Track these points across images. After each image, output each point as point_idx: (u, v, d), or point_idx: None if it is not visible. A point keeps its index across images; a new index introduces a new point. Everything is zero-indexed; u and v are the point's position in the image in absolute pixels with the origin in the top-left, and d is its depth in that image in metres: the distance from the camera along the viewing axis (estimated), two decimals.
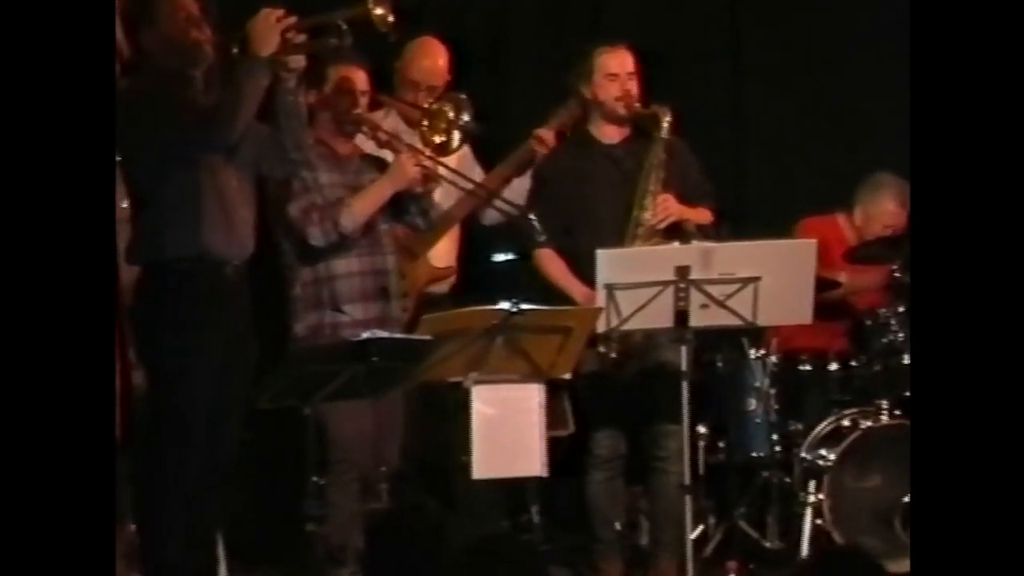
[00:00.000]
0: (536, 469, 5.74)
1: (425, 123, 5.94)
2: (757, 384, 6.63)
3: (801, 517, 6.43)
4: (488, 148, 6.58)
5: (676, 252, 5.75)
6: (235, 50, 5.12)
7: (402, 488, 5.81)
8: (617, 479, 6.18)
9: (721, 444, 6.68)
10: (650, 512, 6.37)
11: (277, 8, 5.05)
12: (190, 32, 5.14)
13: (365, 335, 5.25)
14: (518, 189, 6.39)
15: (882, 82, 7.49)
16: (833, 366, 6.77)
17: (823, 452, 6.51)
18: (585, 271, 5.86)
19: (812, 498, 6.42)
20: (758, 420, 6.64)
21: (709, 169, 6.40)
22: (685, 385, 5.70)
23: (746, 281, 5.61)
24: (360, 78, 5.82)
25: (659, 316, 5.64)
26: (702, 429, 6.49)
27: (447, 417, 5.95)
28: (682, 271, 5.60)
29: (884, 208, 6.95)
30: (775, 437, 6.63)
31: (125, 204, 5.15)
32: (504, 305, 5.48)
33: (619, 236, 5.99)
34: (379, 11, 5.07)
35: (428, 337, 5.38)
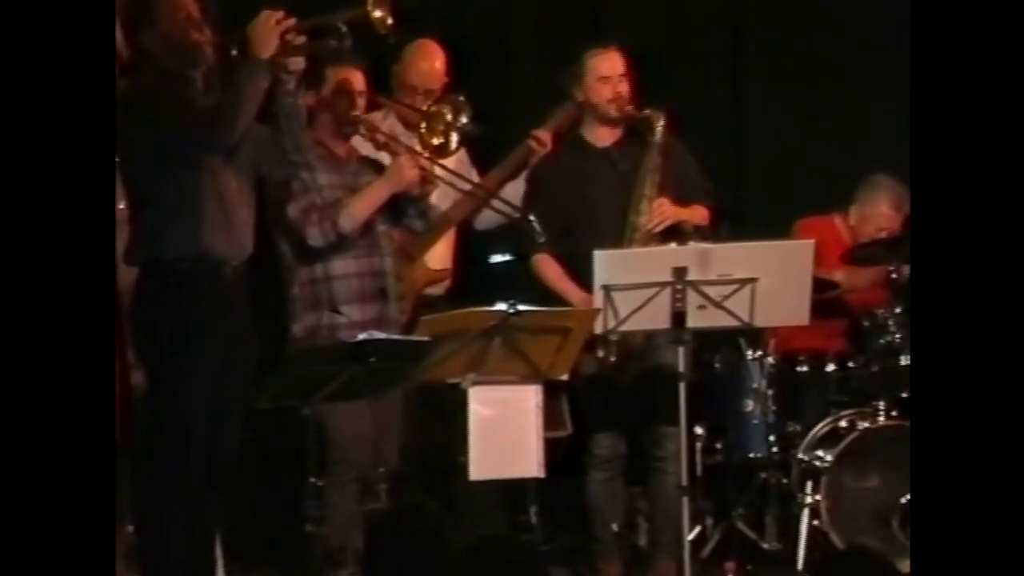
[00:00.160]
0: (533, 470, 5.74)
1: (423, 125, 5.95)
2: (755, 385, 6.63)
3: (799, 518, 6.44)
4: (488, 150, 6.58)
5: (673, 253, 5.76)
6: (234, 52, 5.13)
7: (401, 488, 5.82)
8: (617, 479, 6.19)
9: (719, 445, 6.70)
10: (649, 513, 6.38)
11: (277, 10, 5.06)
12: (190, 33, 5.14)
13: (363, 336, 5.26)
14: (512, 193, 6.40)
15: (879, 83, 7.52)
16: (831, 367, 6.78)
17: (821, 453, 6.51)
18: (582, 275, 5.88)
19: (810, 499, 6.43)
20: (756, 421, 6.65)
21: (709, 169, 6.41)
22: (682, 386, 5.70)
23: (743, 282, 5.62)
24: (358, 80, 5.84)
25: (656, 317, 5.64)
26: (700, 430, 6.50)
27: (446, 418, 5.95)
28: (679, 272, 5.60)
29: (879, 210, 6.97)
30: (773, 438, 6.64)
31: (122, 205, 5.16)
32: (502, 306, 5.49)
33: (616, 239, 6.01)
34: (378, 13, 5.08)
35: (426, 338, 5.40)
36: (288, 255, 5.79)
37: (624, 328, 5.69)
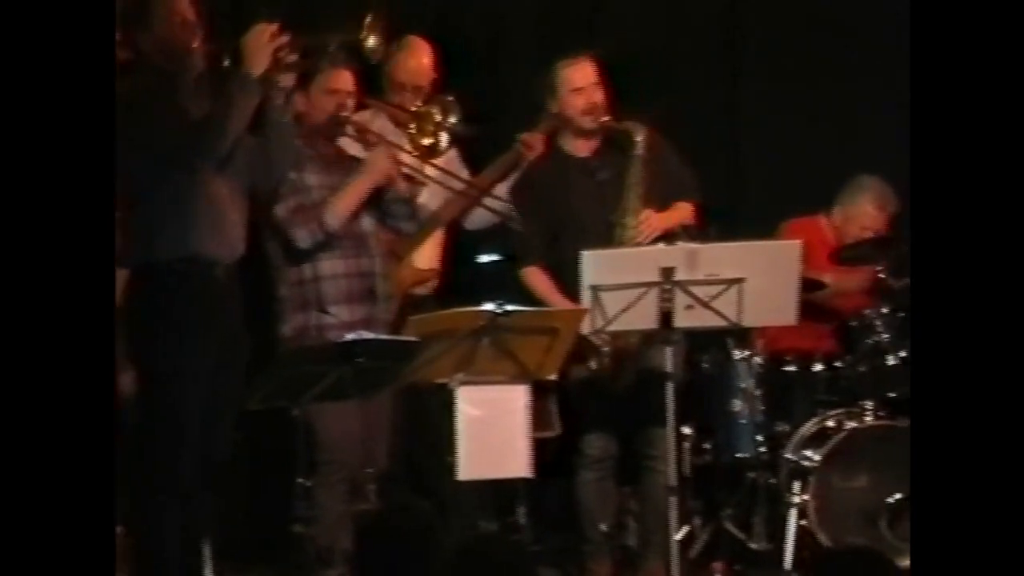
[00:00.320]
0: (522, 470, 5.75)
1: (412, 125, 5.96)
2: (743, 385, 6.64)
3: (787, 518, 6.45)
4: (480, 150, 6.58)
5: (661, 253, 5.76)
6: (227, 62, 5.16)
7: (390, 489, 5.83)
8: (607, 480, 6.20)
9: (708, 445, 6.71)
10: (639, 513, 6.38)
11: (272, 24, 5.09)
12: (183, 37, 5.16)
13: (351, 336, 5.27)
14: (501, 195, 6.41)
15: (870, 84, 7.53)
16: (819, 367, 6.79)
17: (809, 453, 6.52)
18: (568, 286, 5.88)
19: (798, 499, 6.44)
20: (744, 421, 6.65)
21: (701, 168, 6.40)
22: (671, 386, 5.70)
23: (731, 282, 5.63)
24: (347, 80, 5.85)
25: (644, 317, 5.65)
26: (689, 430, 6.52)
27: (435, 418, 5.96)
28: (667, 272, 5.61)
29: (863, 210, 6.99)
30: (761, 438, 6.65)
31: None
32: (490, 306, 5.50)
33: (601, 248, 5.97)
34: (372, 41, 5.13)
35: (415, 338, 5.41)
36: (276, 256, 5.80)
37: (612, 328, 5.69)
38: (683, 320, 5.66)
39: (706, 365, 6.72)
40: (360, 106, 6.11)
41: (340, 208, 5.73)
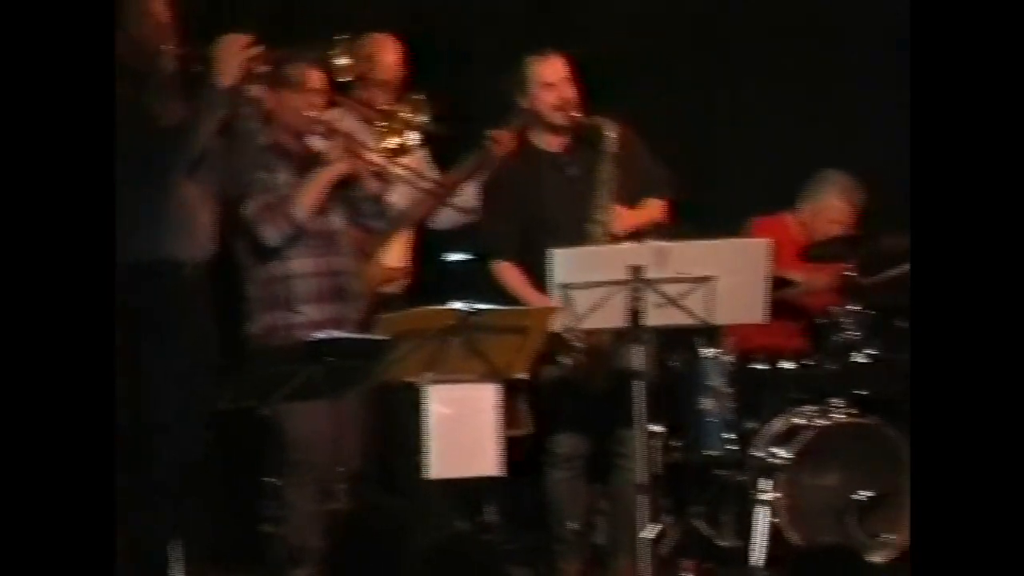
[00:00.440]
0: (492, 469, 5.75)
1: (382, 123, 5.95)
2: (713, 383, 6.64)
3: (760, 516, 6.45)
4: (451, 149, 6.57)
5: (630, 251, 5.76)
6: (199, 68, 5.15)
7: (361, 488, 5.81)
8: (578, 478, 6.19)
9: (678, 443, 6.70)
10: (610, 512, 6.38)
11: (244, 35, 5.08)
12: (156, 38, 5.15)
13: (321, 335, 5.26)
14: (472, 193, 6.40)
15: (835, 81, 7.55)
16: (788, 365, 6.80)
17: (778, 450, 6.53)
18: (540, 281, 5.87)
19: (767, 496, 6.44)
20: (714, 419, 6.65)
21: (671, 168, 6.40)
22: (640, 385, 5.70)
23: (701, 280, 5.63)
24: (316, 78, 5.83)
25: (614, 315, 5.65)
26: (660, 429, 6.51)
27: (405, 417, 5.95)
28: (636, 270, 5.61)
29: (830, 204, 7.00)
30: (731, 436, 6.65)
31: None
32: (459, 305, 5.50)
33: (572, 244, 5.97)
34: (342, 61, 5.13)
35: (385, 337, 5.40)
36: (245, 254, 5.78)
37: (582, 327, 5.69)
38: (653, 318, 5.65)
39: (675, 363, 6.71)
40: (330, 104, 6.09)
41: (305, 201, 5.72)
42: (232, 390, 5.17)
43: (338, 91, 6.18)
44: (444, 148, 6.50)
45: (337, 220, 5.85)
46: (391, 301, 6.34)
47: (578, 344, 5.92)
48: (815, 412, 6.63)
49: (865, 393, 6.63)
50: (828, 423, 6.54)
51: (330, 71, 5.80)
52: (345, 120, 6.36)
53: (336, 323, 5.68)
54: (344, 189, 5.85)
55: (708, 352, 6.67)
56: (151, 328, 5.07)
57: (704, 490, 6.72)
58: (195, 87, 5.14)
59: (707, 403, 6.64)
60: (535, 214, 6.14)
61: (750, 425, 6.69)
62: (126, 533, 5.07)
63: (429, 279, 6.76)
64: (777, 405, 6.72)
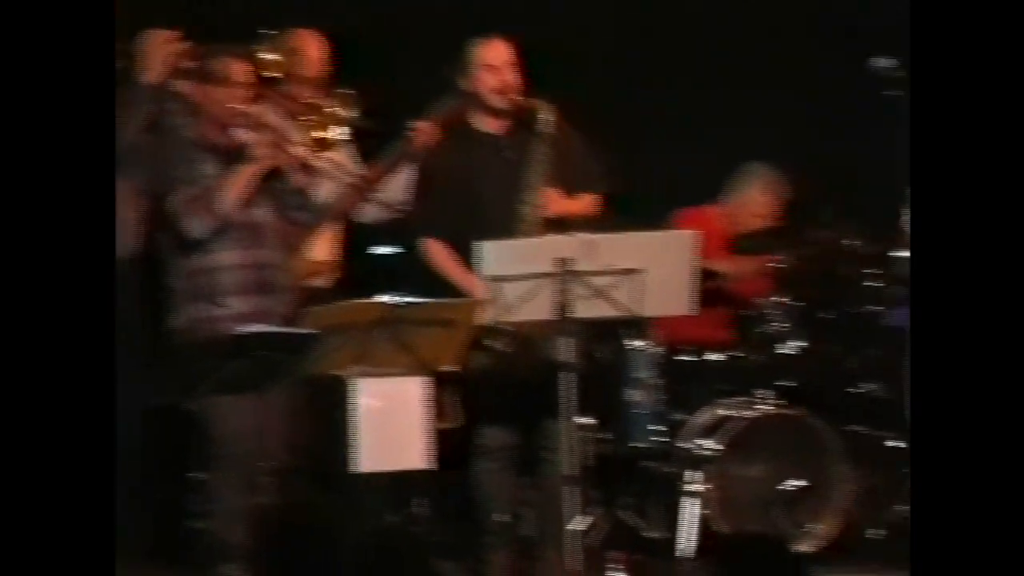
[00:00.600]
0: (420, 462, 5.74)
1: (309, 118, 5.93)
2: (641, 375, 6.67)
3: (687, 507, 6.48)
4: (378, 144, 6.55)
5: (558, 243, 5.75)
6: (123, 64, 5.11)
7: (289, 483, 5.79)
8: (505, 470, 6.20)
9: (607, 435, 6.72)
10: (537, 503, 6.38)
11: (170, 31, 5.05)
12: None
13: (247, 328, 5.24)
14: (399, 185, 6.39)
15: (758, 73, 7.60)
16: (715, 356, 6.84)
17: (705, 441, 6.57)
18: (470, 261, 5.87)
19: (694, 487, 6.47)
20: (642, 411, 6.68)
21: (603, 158, 6.41)
22: (568, 376, 5.70)
23: (629, 272, 5.64)
24: (242, 72, 5.80)
25: (543, 307, 5.64)
26: (588, 420, 6.52)
27: (333, 411, 5.93)
28: (564, 262, 5.61)
29: (753, 197, 7.05)
30: (659, 427, 6.68)
31: None
32: (387, 298, 5.48)
33: (504, 227, 6.00)
34: (269, 56, 5.11)
35: (312, 331, 5.38)
36: (169, 247, 5.75)
37: (511, 319, 5.69)
38: (582, 310, 5.66)
39: (600, 355, 6.73)
40: (256, 98, 6.06)
41: (230, 194, 5.69)
42: (158, 384, 5.14)
43: (264, 86, 6.17)
44: (375, 143, 6.49)
45: (263, 213, 5.83)
46: (319, 295, 6.32)
47: (507, 328, 5.91)
48: (742, 403, 6.67)
49: (792, 384, 6.67)
50: (757, 414, 6.58)
51: (256, 65, 5.79)
52: (271, 114, 6.34)
53: (262, 316, 5.64)
54: (270, 182, 5.83)
55: (635, 344, 6.69)
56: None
57: (632, 482, 6.75)
58: (120, 84, 5.10)
59: (634, 395, 6.67)
60: (470, 194, 6.14)
61: (677, 417, 6.72)
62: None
63: (357, 273, 6.75)
64: (704, 397, 6.76)
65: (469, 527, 6.34)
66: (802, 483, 6.49)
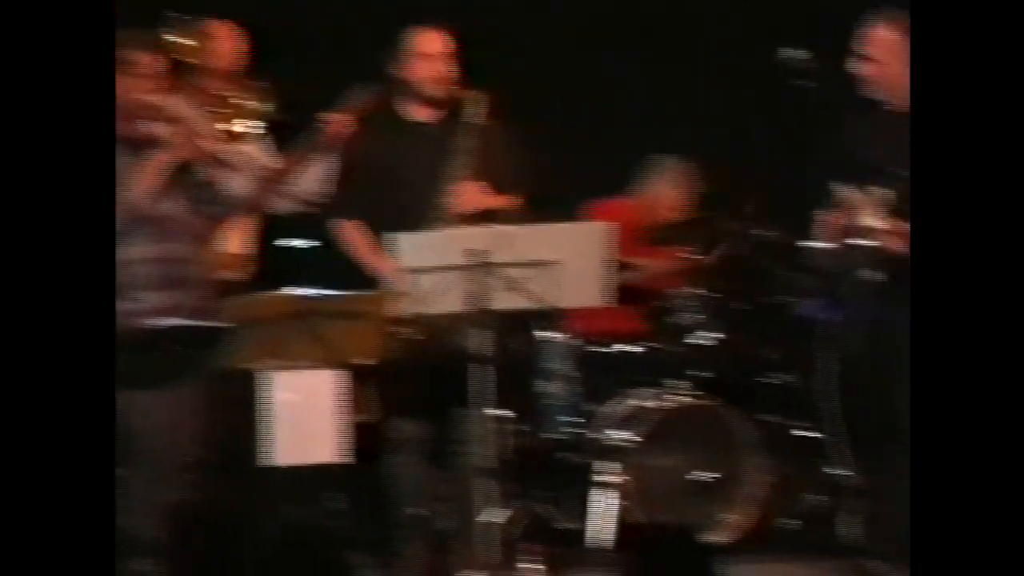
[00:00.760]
0: (336, 455, 5.73)
1: (220, 110, 5.89)
2: (556, 367, 6.69)
3: (599, 497, 6.50)
4: (293, 137, 6.52)
5: (474, 235, 5.76)
6: None
7: (204, 477, 5.75)
8: (419, 464, 6.19)
9: (521, 427, 6.72)
10: (452, 496, 6.38)
11: None
12: None
13: (159, 323, 5.21)
14: (313, 178, 6.37)
15: (673, 66, 7.64)
16: (628, 347, 6.86)
17: (620, 432, 6.59)
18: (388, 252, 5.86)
19: (610, 478, 6.49)
20: (554, 402, 6.70)
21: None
22: (484, 368, 5.71)
23: (545, 264, 5.64)
24: (151, 62, 5.75)
25: (459, 299, 5.65)
26: (503, 412, 6.52)
27: (247, 405, 5.90)
28: (480, 254, 5.61)
29: (664, 191, 7.10)
30: (574, 419, 6.69)
31: None
32: (301, 291, 5.47)
33: (423, 217, 5.99)
34: (175, 40, 5.07)
35: (226, 324, 5.35)
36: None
37: (427, 311, 5.68)
38: (498, 302, 5.66)
39: (520, 347, 6.73)
40: (167, 90, 6.00)
41: (140, 186, 5.64)
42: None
43: (175, 76, 6.12)
44: (292, 137, 6.45)
45: (175, 206, 5.78)
46: (232, 288, 6.28)
47: (420, 317, 5.89)
48: (655, 394, 6.70)
49: (706, 375, 6.71)
50: (672, 404, 6.61)
51: (167, 55, 5.74)
52: (182, 106, 6.28)
53: (175, 310, 5.60)
54: (181, 175, 5.78)
55: (548, 335, 6.71)
56: None
57: (547, 474, 6.76)
58: None
59: (548, 386, 6.68)
60: (393, 182, 6.13)
61: (591, 408, 6.74)
62: None
63: (271, 266, 6.71)
64: (617, 388, 6.78)
65: (384, 521, 6.33)
66: (715, 474, 6.53)
